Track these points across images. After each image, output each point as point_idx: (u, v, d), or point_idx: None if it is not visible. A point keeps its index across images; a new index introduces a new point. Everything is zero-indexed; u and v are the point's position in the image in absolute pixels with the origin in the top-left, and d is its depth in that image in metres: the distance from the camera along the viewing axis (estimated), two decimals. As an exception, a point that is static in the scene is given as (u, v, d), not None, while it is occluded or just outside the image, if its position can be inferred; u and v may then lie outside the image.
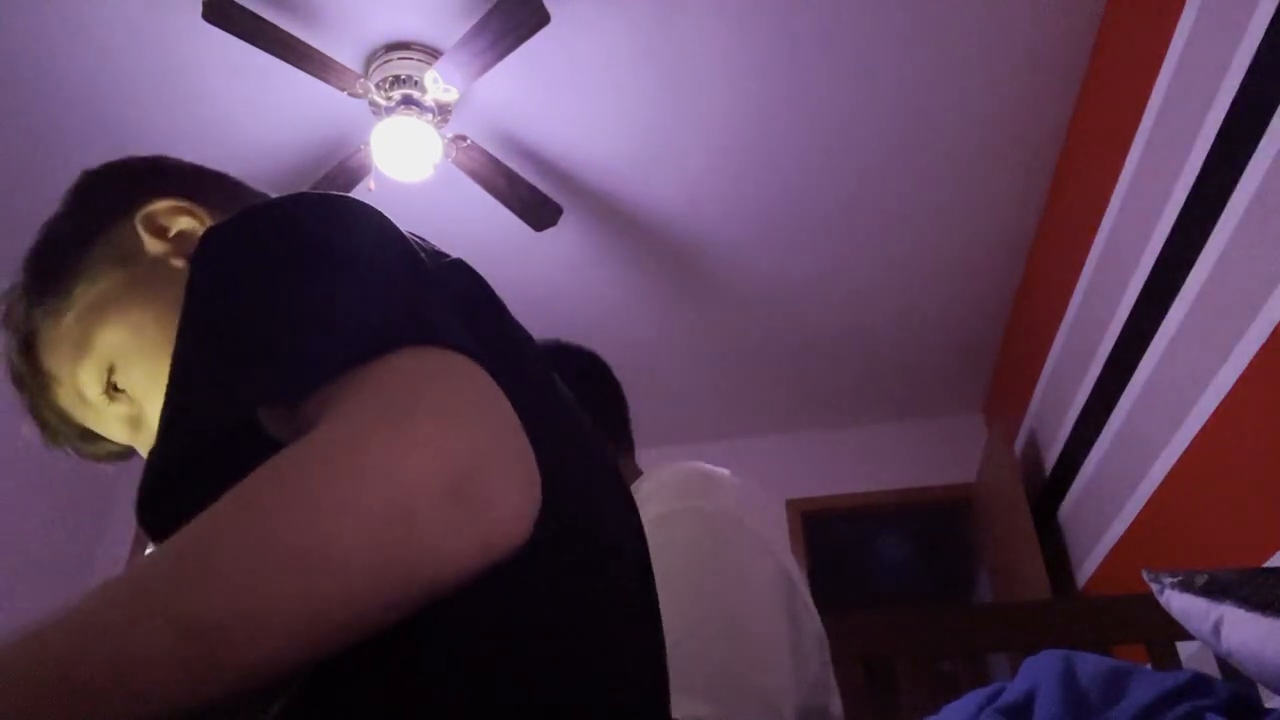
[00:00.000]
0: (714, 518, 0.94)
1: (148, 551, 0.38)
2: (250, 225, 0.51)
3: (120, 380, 0.65)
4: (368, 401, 0.39)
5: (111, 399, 0.65)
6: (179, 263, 0.66)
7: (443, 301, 0.48)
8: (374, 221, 0.53)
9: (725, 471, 1.03)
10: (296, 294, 0.45)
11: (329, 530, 0.34)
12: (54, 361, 0.67)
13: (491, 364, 0.44)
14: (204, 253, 0.50)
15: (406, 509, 0.35)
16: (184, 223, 0.67)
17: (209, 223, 0.68)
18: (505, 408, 0.41)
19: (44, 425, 0.70)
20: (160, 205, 0.67)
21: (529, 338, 0.60)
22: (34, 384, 0.68)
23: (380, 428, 0.37)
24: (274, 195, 0.75)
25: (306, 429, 0.40)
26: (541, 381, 0.57)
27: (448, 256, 0.59)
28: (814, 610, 1.02)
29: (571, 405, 0.61)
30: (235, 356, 0.43)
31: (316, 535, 0.34)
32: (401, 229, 0.56)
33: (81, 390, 0.66)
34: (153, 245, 0.66)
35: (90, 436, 0.70)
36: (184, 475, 0.43)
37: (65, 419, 0.69)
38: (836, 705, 1.01)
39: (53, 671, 0.32)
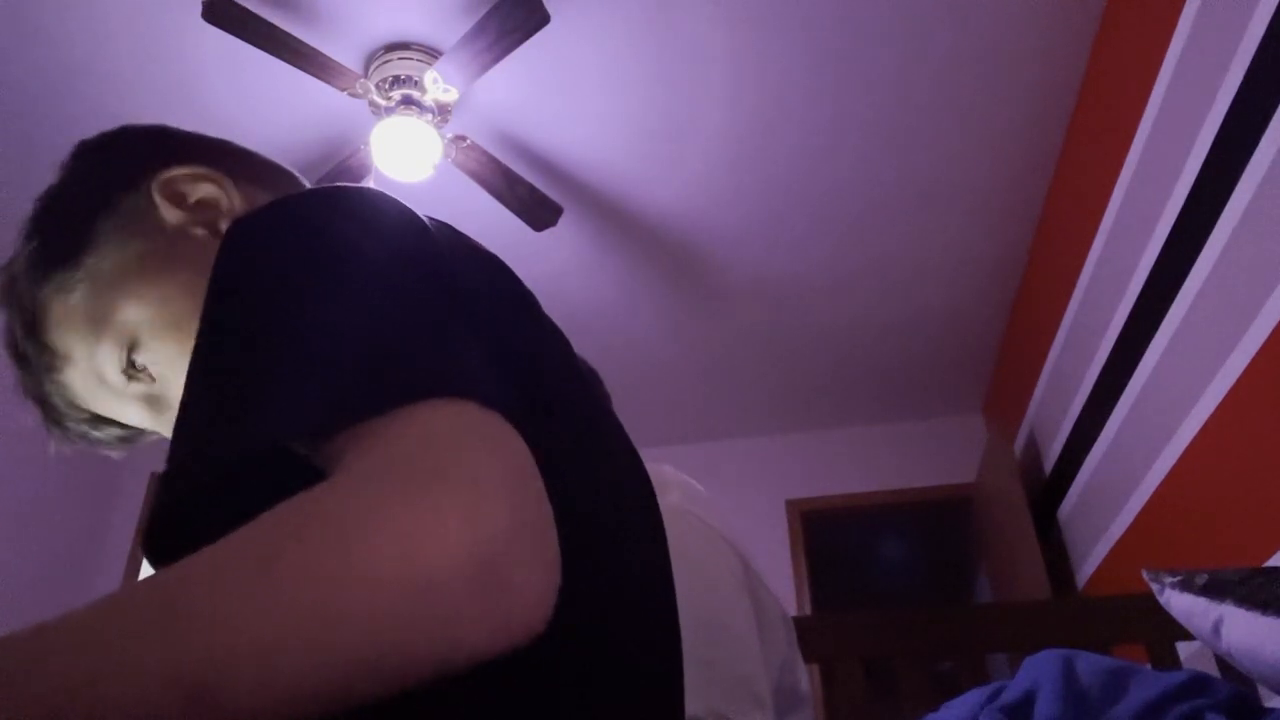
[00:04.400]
0: (669, 516, 0.96)
1: (143, 576, 0.36)
2: (279, 229, 0.47)
3: (142, 358, 0.61)
4: (397, 460, 0.36)
5: (130, 378, 0.62)
6: (200, 232, 0.63)
7: (475, 330, 0.46)
8: (408, 228, 0.50)
9: (669, 467, 1.05)
10: (330, 320, 0.42)
11: (343, 596, 0.32)
12: (65, 339, 0.62)
13: (518, 392, 0.41)
14: (230, 253, 0.47)
15: (427, 584, 0.32)
16: (205, 190, 0.64)
17: (231, 191, 0.65)
18: (531, 476, 0.38)
19: (47, 408, 0.65)
20: (179, 171, 0.63)
21: (561, 340, 0.58)
22: (40, 363, 0.64)
23: (409, 493, 0.34)
24: (291, 169, 0.71)
25: (328, 464, 0.38)
26: (574, 395, 0.55)
27: (482, 253, 0.56)
28: (769, 588, 1.04)
29: (602, 413, 0.59)
30: (258, 384, 0.40)
31: (329, 599, 0.32)
32: (432, 225, 0.53)
33: (99, 369, 0.62)
34: (171, 214, 0.63)
35: (98, 420, 0.66)
36: (197, 504, 0.41)
37: (72, 401, 0.65)
38: (804, 683, 1.02)
39: (37, 700, 0.30)
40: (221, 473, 0.39)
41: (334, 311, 0.42)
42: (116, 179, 0.64)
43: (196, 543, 0.34)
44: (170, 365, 0.61)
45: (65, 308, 0.62)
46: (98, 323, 0.61)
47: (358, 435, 0.37)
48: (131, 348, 0.61)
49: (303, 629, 0.31)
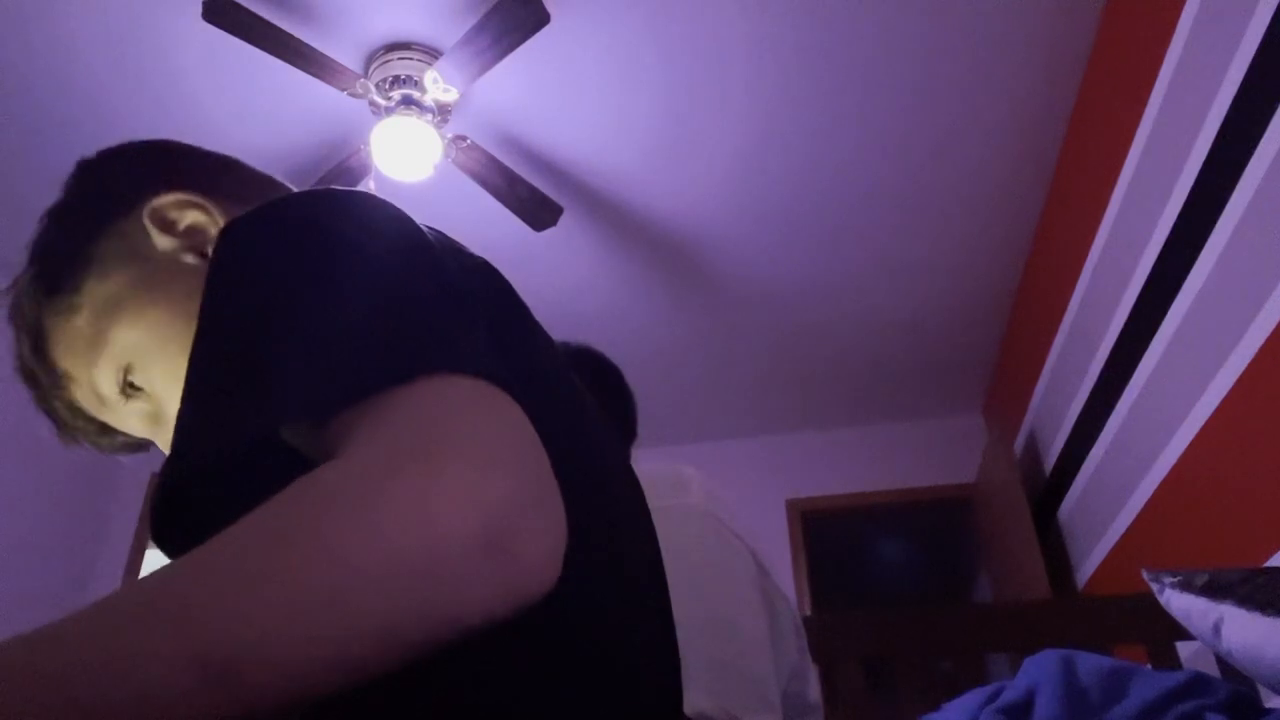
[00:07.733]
0: (689, 516, 0.97)
1: (158, 566, 0.37)
2: (275, 225, 0.48)
3: (138, 379, 0.63)
4: (399, 435, 0.37)
5: (129, 397, 0.64)
6: (190, 259, 0.64)
7: (472, 317, 0.47)
8: (402, 225, 0.51)
9: (690, 468, 1.06)
10: (325, 306, 0.43)
11: (355, 570, 0.33)
12: (68, 361, 0.65)
13: (517, 382, 0.42)
14: (225, 250, 0.48)
15: (435, 555, 0.33)
16: (193, 217, 0.65)
17: (218, 216, 0.66)
18: (536, 446, 0.39)
19: (58, 421, 0.68)
20: (167, 199, 0.65)
21: (551, 343, 0.59)
22: (48, 381, 0.67)
23: (412, 466, 0.35)
24: (286, 183, 0.74)
25: (330, 448, 0.38)
26: (564, 392, 0.56)
27: (472, 256, 0.57)
28: (784, 592, 1.04)
29: (592, 413, 0.60)
30: (259, 370, 0.41)
31: (342, 575, 0.32)
32: (425, 229, 0.54)
33: (98, 390, 0.65)
34: (161, 241, 0.64)
35: (107, 430, 0.69)
36: (200, 489, 0.41)
37: (81, 415, 0.68)
38: (815, 693, 1.03)
39: (57, 687, 0.30)
40: (225, 459, 0.39)
41: (330, 296, 0.43)
42: (113, 203, 0.66)
43: (207, 530, 0.35)
44: (165, 384, 0.63)
45: (68, 332, 0.65)
46: (95, 346, 0.64)
47: (362, 413, 0.38)
48: (128, 370, 0.63)
49: (323, 599, 0.32)
